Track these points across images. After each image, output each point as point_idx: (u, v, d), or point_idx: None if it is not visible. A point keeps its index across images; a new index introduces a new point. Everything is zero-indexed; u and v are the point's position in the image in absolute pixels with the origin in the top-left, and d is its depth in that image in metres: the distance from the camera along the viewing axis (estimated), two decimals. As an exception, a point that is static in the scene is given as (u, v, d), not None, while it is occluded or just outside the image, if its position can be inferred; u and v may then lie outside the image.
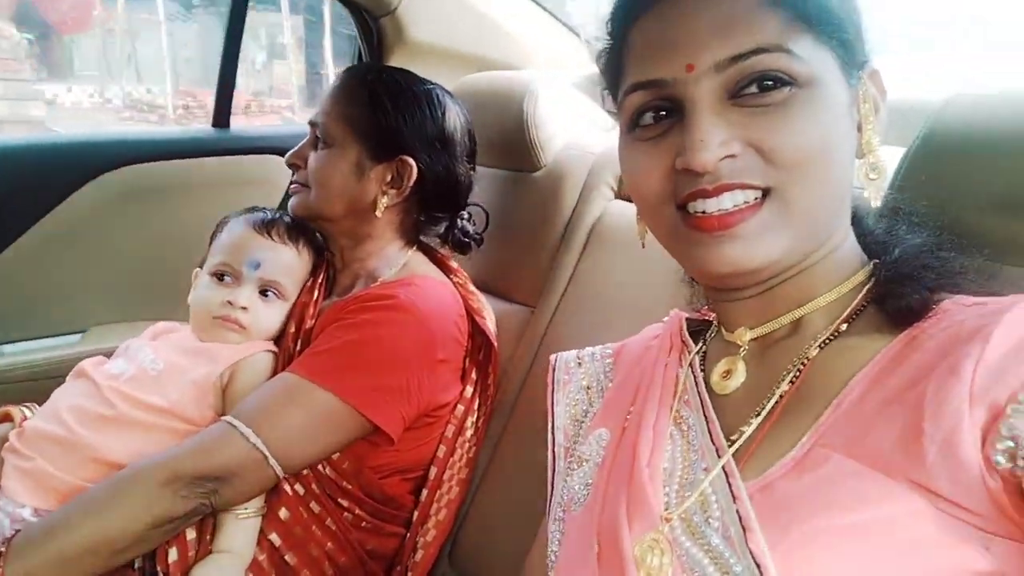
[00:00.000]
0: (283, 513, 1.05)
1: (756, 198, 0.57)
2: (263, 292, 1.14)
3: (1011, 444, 0.47)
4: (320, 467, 1.07)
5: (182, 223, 1.65)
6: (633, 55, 0.63)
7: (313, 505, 1.07)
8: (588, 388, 0.82)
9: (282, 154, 1.71)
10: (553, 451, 0.79)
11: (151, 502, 0.93)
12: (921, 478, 0.49)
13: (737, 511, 0.56)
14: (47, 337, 1.62)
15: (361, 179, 1.15)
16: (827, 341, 0.61)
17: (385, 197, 1.16)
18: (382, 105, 1.14)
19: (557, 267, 1.27)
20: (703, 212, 0.58)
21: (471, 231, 1.27)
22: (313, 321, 1.16)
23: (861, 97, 0.61)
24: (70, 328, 1.65)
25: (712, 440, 0.63)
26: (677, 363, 0.73)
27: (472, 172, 1.24)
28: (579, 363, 0.84)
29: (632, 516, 0.61)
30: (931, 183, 0.73)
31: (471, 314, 1.17)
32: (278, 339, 1.18)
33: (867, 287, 0.63)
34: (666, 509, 0.60)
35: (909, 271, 0.60)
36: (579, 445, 0.76)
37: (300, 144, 1.20)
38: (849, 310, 0.62)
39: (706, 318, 0.78)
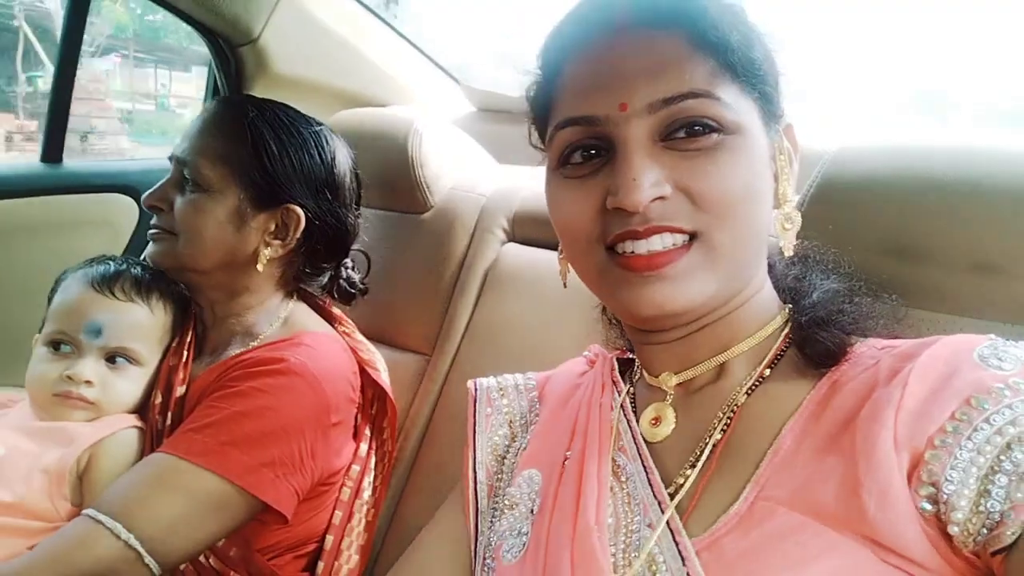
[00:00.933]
0: None
1: (684, 241, 0.58)
2: (111, 359, 1.00)
3: (932, 489, 0.49)
4: (202, 557, 0.95)
5: (11, 274, 1.43)
6: (565, 91, 0.62)
7: None
8: (511, 422, 0.79)
9: (126, 192, 1.59)
10: (475, 490, 0.75)
11: None
12: (865, 530, 0.50)
13: (687, 573, 0.55)
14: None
15: (241, 229, 1.03)
16: (753, 387, 0.62)
17: (268, 249, 1.05)
18: (267, 147, 1.02)
19: (452, 313, 1.23)
20: (632, 252, 0.58)
21: (356, 280, 1.19)
22: (184, 388, 1.03)
23: (778, 149, 0.63)
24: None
25: (654, 493, 0.61)
26: (609, 406, 0.71)
27: (359, 217, 1.16)
28: (501, 393, 0.81)
29: (579, 572, 0.59)
30: (829, 230, 0.77)
31: (362, 367, 1.09)
32: (142, 411, 1.04)
33: (784, 332, 0.65)
34: (614, 572, 0.58)
35: (825, 315, 0.63)
36: (505, 485, 0.73)
37: (161, 184, 1.05)
38: (771, 355, 0.63)
39: (629, 357, 0.78)
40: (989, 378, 0.51)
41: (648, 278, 0.58)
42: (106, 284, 1.01)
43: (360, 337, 1.15)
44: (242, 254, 1.04)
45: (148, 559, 0.84)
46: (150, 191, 1.05)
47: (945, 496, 0.48)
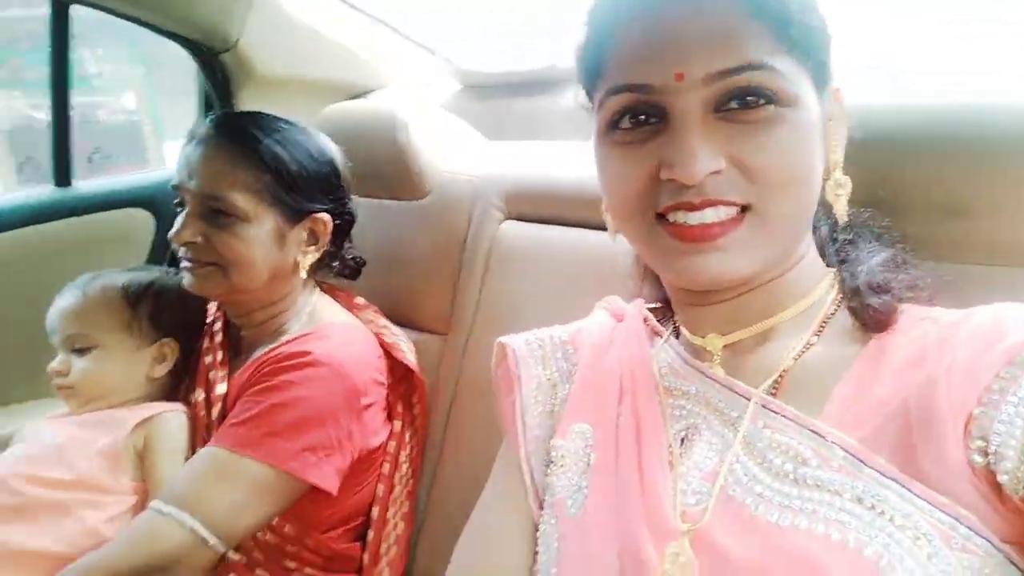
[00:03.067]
0: None
1: (736, 213, 0.58)
2: (76, 350, 1.11)
3: (982, 443, 0.51)
4: (259, 535, 1.05)
5: (38, 297, 1.50)
6: (617, 55, 0.61)
7: (260, 572, 1.06)
8: (550, 374, 0.79)
9: (141, 205, 1.65)
10: (525, 445, 0.75)
11: None
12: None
13: (805, 426, 0.57)
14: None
15: (281, 247, 1.11)
16: (800, 353, 0.63)
17: (307, 257, 1.14)
18: (286, 169, 1.09)
19: (461, 293, 1.30)
20: (684, 222, 0.59)
21: (357, 255, 1.28)
22: (224, 385, 1.13)
23: (829, 115, 0.63)
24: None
25: (736, 392, 0.63)
26: (650, 357, 0.73)
27: None
28: (539, 345, 0.81)
29: (656, 530, 0.60)
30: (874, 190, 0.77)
31: (387, 349, 1.18)
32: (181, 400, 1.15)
33: (832, 296, 0.66)
34: (683, 520, 0.60)
35: (881, 281, 0.63)
36: (555, 438, 0.73)
37: (184, 218, 1.07)
38: (819, 319, 0.65)
39: (657, 307, 0.80)
40: None
41: (700, 248, 0.58)
42: (77, 287, 1.14)
43: (384, 321, 1.23)
44: (285, 268, 1.13)
45: (212, 541, 0.94)
46: (179, 229, 1.07)
47: (993, 447, 0.50)
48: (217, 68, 1.62)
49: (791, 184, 0.58)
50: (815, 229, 0.69)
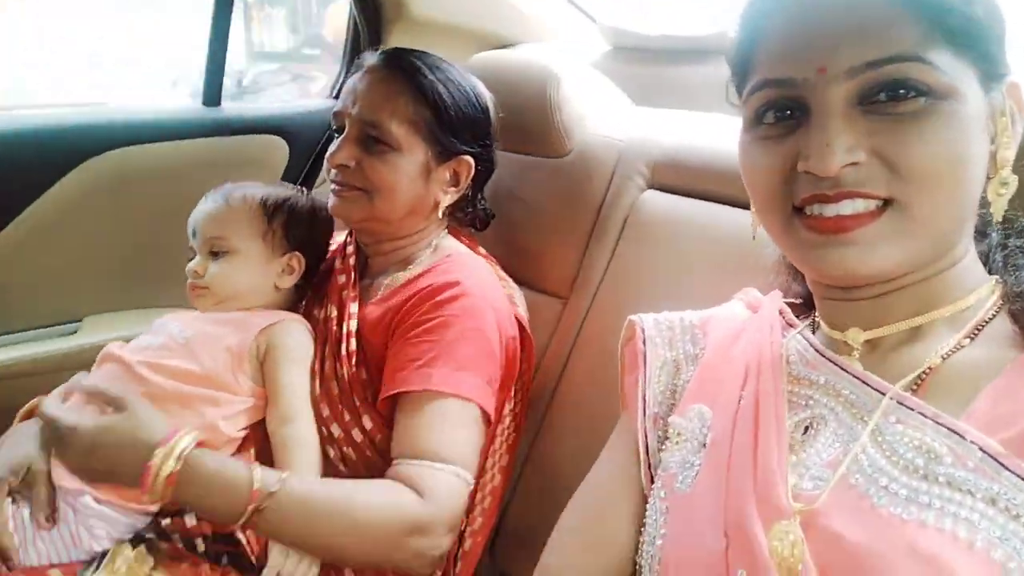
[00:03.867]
0: None
1: (876, 206, 0.57)
2: (213, 253, 1.13)
3: None
4: (367, 453, 1.07)
5: (175, 207, 1.56)
6: (764, 52, 0.62)
7: None
8: (676, 355, 0.80)
9: (279, 134, 1.69)
10: (644, 421, 0.77)
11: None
12: None
13: (944, 424, 0.56)
14: (39, 328, 1.54)
15: (426, 182, 1.13)
16: (950, 353, 0.61)
17: (447, 196, 1.15)
18: (444, 105, 1.11)
19: (590, 258, 1.25)
20: (820, 214, 0.58)
21: (487, 206, 1.27)
22: (356, 304, 1.14)
23: (999, 111, 0.60)
24: (61, 319, 1.57)
25: (871, 386, 0.62)
26: (780, 345, 0.72)
27: None
28: (669, 326, 0.82)
29: (765, 509, 0.60)
30: None
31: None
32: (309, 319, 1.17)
33: (992, 302, 0.63)
34: (796, 501, 0.60)
35: None
36: (672, 415, 0.75)
37: (341, 142, 1.11)
38: (973, 323, 0.62)
39: (796, 303, 0.79)
40: None
41: (835, 241, 0.58)
42: (220, 194, 1.17)
43: (502, 273, 1.22)
44: (426, 205, 1.15)
45: (469, 479, 0.99)
46: (337, 150, 1.11)
47: None
48: (370, 4, 1.62)
49: (938, 179, 0.56)
50: (984, 235, 0.67)
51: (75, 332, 1.57)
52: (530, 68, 1.33)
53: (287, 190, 1.23)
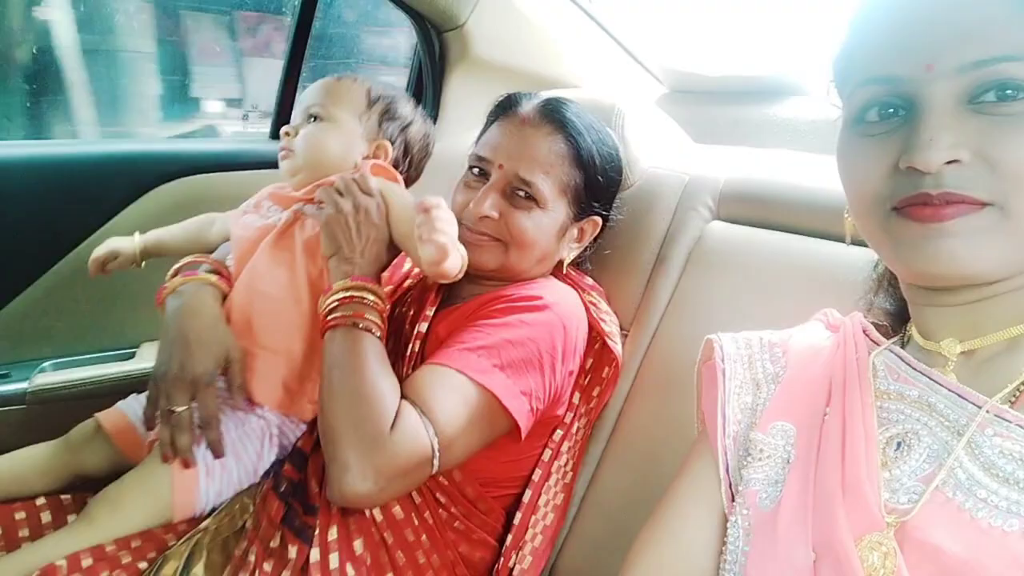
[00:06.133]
0: None
1: (978, 206, 0.56)
2: (311, 117, 1.17)
3: None
4: None
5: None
6: (869, 50, 0.61)
7: (414, 495, 1.05)
8: (755, 374, 0.78)
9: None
10: (723, 439, 0.75)
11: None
12: None
13: None
14: (95, 353, 1.57)
15: (559, 240, 1.14)
16: None
17: (572, 254, 1.17)
18: (596, 172, 1.12)
19: (653, 289, 1.24)
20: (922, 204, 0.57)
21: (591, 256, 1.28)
22: (433, 307, 1.14)
23: None
24: (119, 344, 1.60)
25: (967, 399, 0.61)
26: (867, 361, 0.71)
27: None
28: (747, 344, 0.81)
29: (855, 522, 0.59)
30: None
31: (600, 336, 1.16)
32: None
33: None
34: (889, 514, 0.59)
35: None
36: (753, 432, 0.73)
37: (487, 192, 1.09)
38: None
39: (881, 324, 0.77)
40: None
41: (935, 231, 0.56)
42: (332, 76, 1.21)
43: (606, 307, 1.21)
44: (551, 258, 1.16)
45: (436, 460, 0.94)
46: (482, 199, 1.09)
47: None
48: (436, 45, 1.68)
49: None
50: None
51: (131, 357, 1.59)
52: (595, 105, 1.35)
53: (397, 91, 1.26)
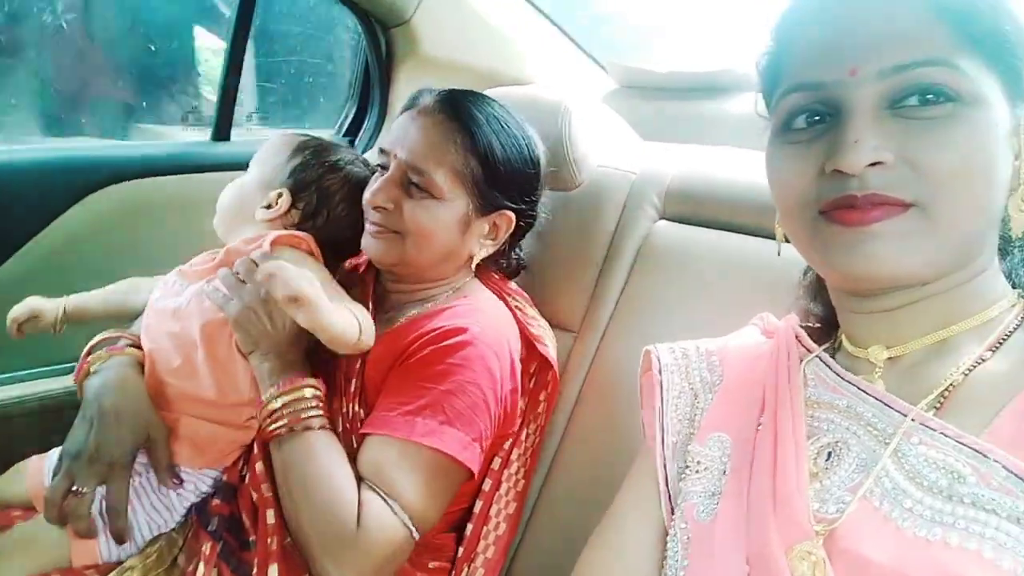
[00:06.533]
0: None
1: (901, 207, 0.56)
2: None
3: None
4: None
5: (184, 240, 1.56)
6: (795, 58, 0.62)
7: None
8: (692, 384, 0.79)
9: None
10: (663, 451, 0.76)
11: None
12: None
13: (966, 444, 0.55)
14: (42, 367, 1.51)
15: (464, 233, 1.10)
16: (971, 368, 0.60)
17: (483, 250, 1.13)
18: (495, 161, 1.08)
19: (601, 290, 1.23)
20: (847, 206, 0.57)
21: (521, 256, 1.25)
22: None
23: (1023, 128, 0.60)
24: (68, 357, 1.53)
25: (893, 408, 0.61)
26: (798, 369, 0.71)
27: None
28: (684, 355, 0.81)
29: (786, 532, 0.60)
30: None
31: (530, 340, 1.14)
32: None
33: (1013, 314, 0.63)
34: (817, 523, 0.59)
35: None
36: (692, 444, 0.74)
37: (382, 183, 1.07)
38: (995, 336, 0.61)
39: (815, 327, 0.78)
40: None
41: (861, 235, 0.57)
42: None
43: (533, 312, 1.18)
44: (459, 255, 1.12)
45: (415, 533, 0.95)
46: (377, 190, 1.07)
47: None
48: (383, 42, 1.65)
49: (964, 184, 0.56)
50: (1008, 253, 0.67)
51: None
52: (542, 103, 1.33)
53: (327, 141, 1.22)
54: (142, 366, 1.08)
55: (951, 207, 0.56)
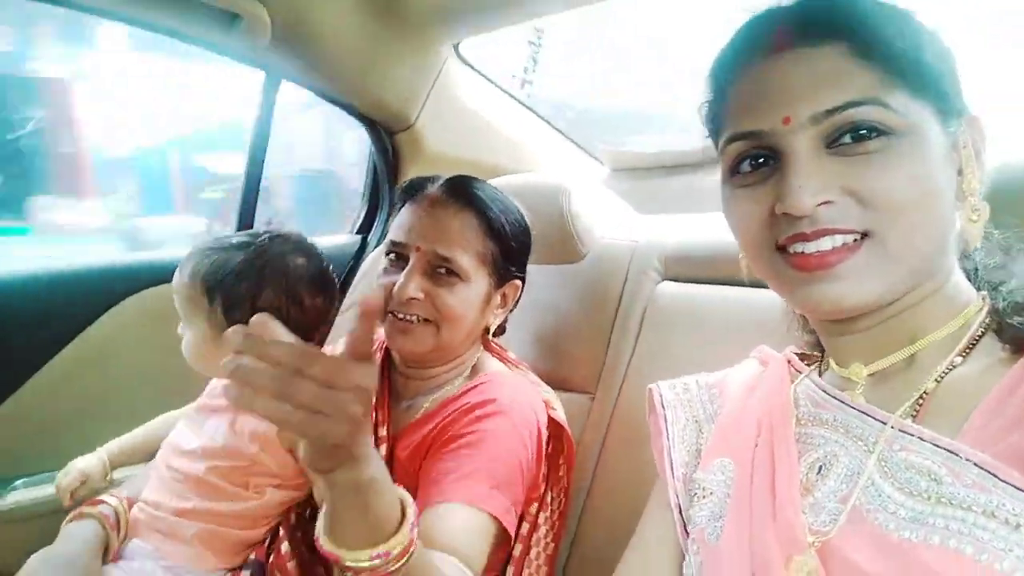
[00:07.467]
0: None
1: (854, 240, 0.60)
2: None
3: None
4: None
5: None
6: (733, 108, 0.66)
7: None
8: (696, 415, 0.83)
9: None
10: (674, 483, 0.79)
11: None
12: None
13: (940, 446, 0.57)
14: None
15: (484, 309, 1.16)
16: (943, 375, 0.63)
17: (496, 319, 1.19)
18: (508, 238, 1.16)
19: (613, 353, 1.30)
20: (802, 252, 0.61)
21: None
22: (384, 427, 1.15)
23: (961, 143, 0.63)
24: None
25: (874, 417, 0.64)
26: (789, 390, 0.75)
27: None
28: (685, 389, 0.85)
29: (783, 545, 0.62)
30: None
31: (546, 407, 1.17)
32: None
33: (980, 319, 0.65)
34: (812, 535, 0.62)
35: (1021, 302, 0.63)
36: (697, 472, 0.77)
37: (408, 275, 1.10)
38: (964, 342, 0.64)
39: (806, 352, 0.82)
40: None
41: (820, 277, 0.60)
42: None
43: (534, 378, 1.23)
44: (478, 330, 1.18)
45: None
46: (405, 283, 1.09)
47: None
48: (390, 146, 1.78)
49: (908, 210, 0.59)
50: (967, 256, 0.69)
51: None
52: (543, 187, 1.43)
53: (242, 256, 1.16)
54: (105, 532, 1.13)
55: (902, 233, 0.59)
